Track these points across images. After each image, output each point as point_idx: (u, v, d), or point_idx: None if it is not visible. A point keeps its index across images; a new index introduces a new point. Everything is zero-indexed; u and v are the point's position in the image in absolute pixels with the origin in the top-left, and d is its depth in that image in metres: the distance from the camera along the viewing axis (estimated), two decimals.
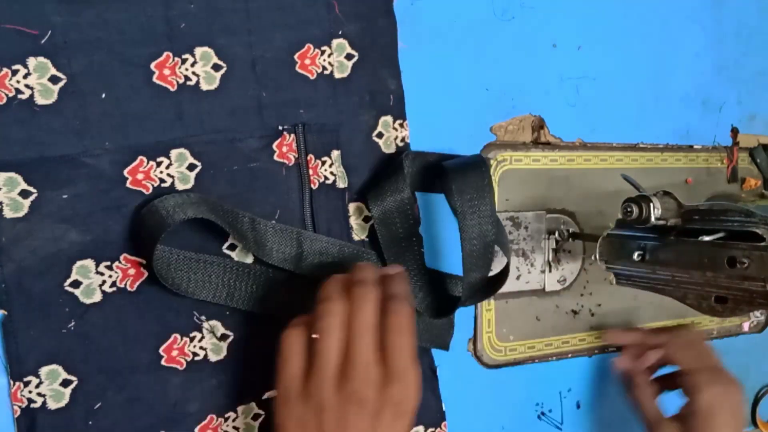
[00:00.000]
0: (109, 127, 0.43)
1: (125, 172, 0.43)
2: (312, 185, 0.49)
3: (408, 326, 0.39)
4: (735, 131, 0.70)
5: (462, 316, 0.56)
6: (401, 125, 0.52)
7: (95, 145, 0.42)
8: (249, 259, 0.47)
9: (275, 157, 0.48)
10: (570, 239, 0.61)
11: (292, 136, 0.48)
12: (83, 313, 0.43)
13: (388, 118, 0.51)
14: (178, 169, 0.45)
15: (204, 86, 0.45)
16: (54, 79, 0.41)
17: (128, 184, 0.43)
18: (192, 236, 0.45)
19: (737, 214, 0.54)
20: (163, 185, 0.44)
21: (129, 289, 0.44)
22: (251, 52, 0.46)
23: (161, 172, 0.44)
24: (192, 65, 0.45)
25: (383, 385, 0.38)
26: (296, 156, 0.48)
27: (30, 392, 0.42)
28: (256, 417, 0.48)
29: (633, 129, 0.64)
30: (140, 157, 0.44)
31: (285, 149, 0.48)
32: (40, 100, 0.41)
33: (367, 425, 0.37)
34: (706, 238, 0.55)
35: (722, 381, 0.52)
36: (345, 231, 0.50)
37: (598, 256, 0.59)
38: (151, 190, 0.44)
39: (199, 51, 0.45)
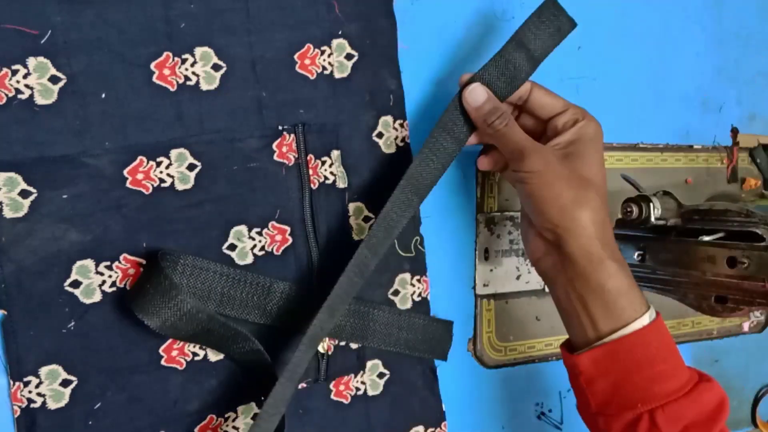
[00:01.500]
0: (109, 127, 0.43)
1: (125, 172, 0.43)
2: (312, 185, 0.49)
3: None
4: (735, 131, 0.70)
5: (462, 316, 0.57)
6: (401, 125, 0.52)
7: (95, 145, 0.42)
8: (249, 260, 0.47)
9: (275, 157, 0.48)
10: None
11: (292, 136, 0.48)
12: (83, 313, 0.43)
13: (388, 118, 0.51)
14: (178, 169, 0.45)
15: (204, 86, 0.45)
16: (54, 79, 0.41)
17: (128, 184, 0.43)
18: (192, 237, 0.45)
19: (737, 214, 0.55)
20: (162, 185, 0.44)
21: (128, 288, 0.44)
22: (251, 52, 0.46)
23: (161, 172, 0.44)
24: (192, 65, 0.45)
25: None
26: (296, 156, 0.48)
27: (30, 392, 0.42)
28: (256, 417, 0.48)
29: (633, 129, 0.64)
30: (140, 157, 0.44)
31: (285, 149, 0.48)
32: (40, 100, 0.41)
33: None
34: (706, 238, 0.56)
35: (592, 117, 0.49)
36: (345, 231, 0.50)
37: None
38: (150, 190, 0.44)
39: (199, 51, 0.45)
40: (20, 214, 0.41)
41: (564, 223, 0.44)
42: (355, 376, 0.52)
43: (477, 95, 0.46)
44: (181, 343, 0.45)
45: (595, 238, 0.44)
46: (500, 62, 0.46)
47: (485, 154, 0.51)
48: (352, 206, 0.50)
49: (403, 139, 0.52)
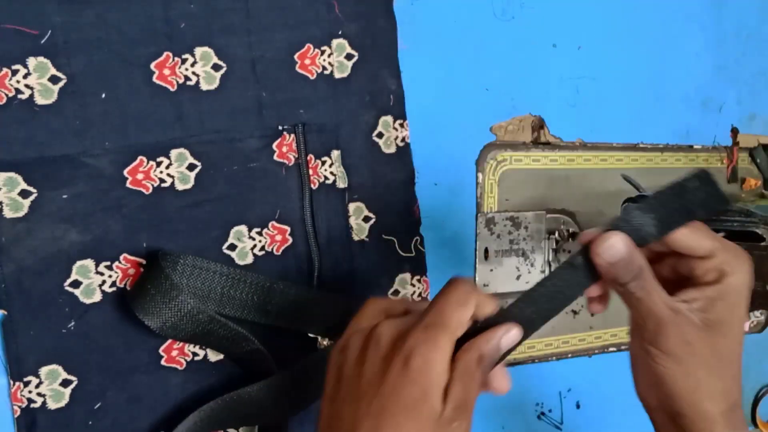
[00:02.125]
0: (109, 127, 0.43)
1: (125, 172, 0.43)
2: (312, 185, 0.49)
3: (426, 347, 0.34)
4: (735, 131, 0.70)
5: None
6: (401, 125, 0.52)
7: (95, 145, 0.42)
8: (249, 260, 0.47)
9: (275, 157, 0.48)
10: (570, 239, 0.61)
11: (292, 136, 0.48)
12: (83, 313, 0.43)
13: (388, 118, 0.51)
14: (178, 169, 0.45)
15: (204, 86, 0.45)
16: (54, 79, 0.41)
17: (128, 184, 0.44)
18: (192, 237, 0.45)
19: (737, 214, 0.54)
20: (163, 185, 0.44)
21: (129, 289, 0.44)
22: (251, 52, 0.46)
23: (161, 172, 0.44)
24: (192, 65, 0.45)
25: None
26: (296, 156, 0.48)
27: (30, 392, 0.42)
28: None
29: (633, 129, 0.64)
30: (140, 157, 0.44)
31: (285, 149, 0.48)
32: (40, 100, 0.41)
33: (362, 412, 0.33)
34: None
35: (746, 257, 0.39)
36: (344, 231, 0.50)
37: None
38: (151, 190, 0.44)
39: (199, 51, 0.45)
40: (20, 214, 0.41)
41: (690, 415, 0.37)
42: None
43: (614, 250, 0.36)
44: (181, 343, 0.45)
45: (722, 426, 0.37)
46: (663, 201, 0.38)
47: (598, 298, 0.40)
48: (352, 206, 0.50)
49: (403, 139, 0.52)
